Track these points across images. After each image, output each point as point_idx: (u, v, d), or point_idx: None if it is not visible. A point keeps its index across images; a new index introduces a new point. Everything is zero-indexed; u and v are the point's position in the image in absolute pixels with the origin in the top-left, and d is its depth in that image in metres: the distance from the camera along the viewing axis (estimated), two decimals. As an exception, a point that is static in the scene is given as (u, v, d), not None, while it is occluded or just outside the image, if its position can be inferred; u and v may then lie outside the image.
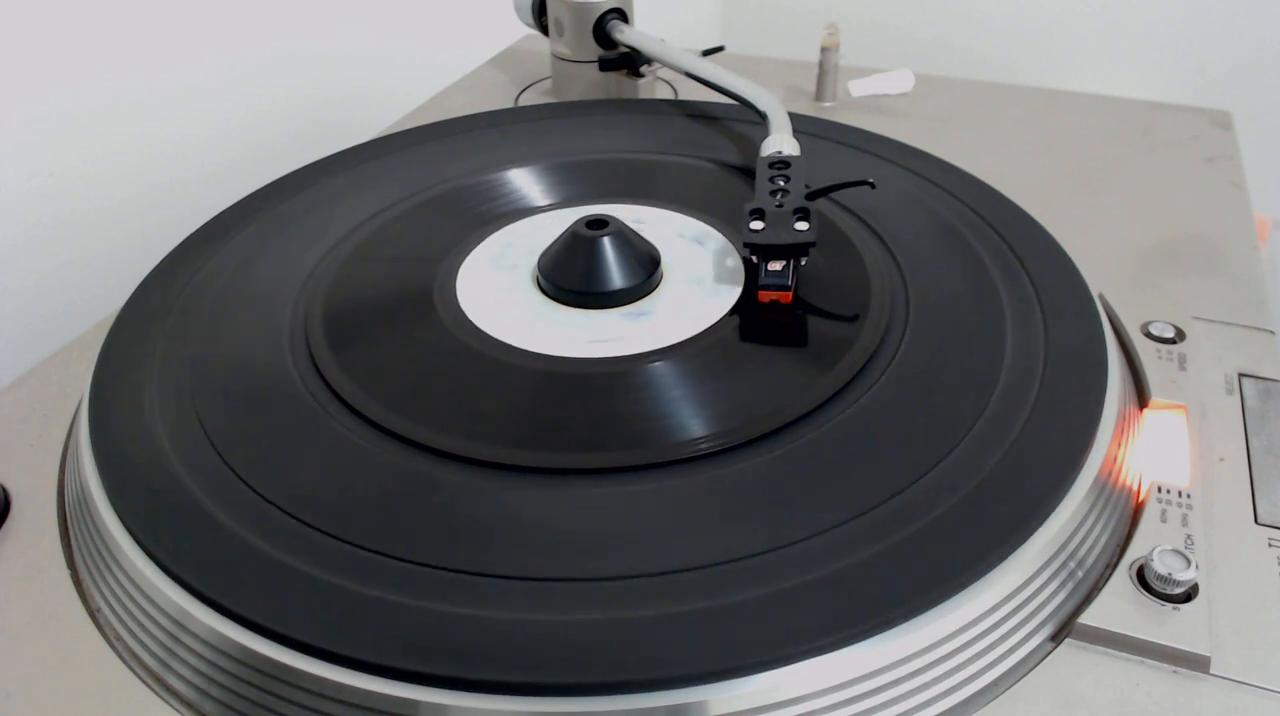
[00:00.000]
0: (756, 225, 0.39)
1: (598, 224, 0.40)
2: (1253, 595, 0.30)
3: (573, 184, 0.49)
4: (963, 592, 0.28)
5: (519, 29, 0.70)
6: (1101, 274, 0.43)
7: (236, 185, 0.50)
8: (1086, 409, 0.34)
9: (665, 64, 0.58)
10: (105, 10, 0.57)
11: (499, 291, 0.41)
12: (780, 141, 0.46)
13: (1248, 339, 0.40)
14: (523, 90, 0.66)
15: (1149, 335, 0.40)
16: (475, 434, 0.33)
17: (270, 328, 0.39)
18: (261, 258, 0.43)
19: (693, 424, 0.33)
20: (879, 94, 0.62)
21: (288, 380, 0.36)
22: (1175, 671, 0.28)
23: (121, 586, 0.30)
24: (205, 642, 0.28)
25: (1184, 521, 0.32)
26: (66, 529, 0.34)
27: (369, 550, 0.29)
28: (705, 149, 0.52)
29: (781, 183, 0.42)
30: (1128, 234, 0.48)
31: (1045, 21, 1.10)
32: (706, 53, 0.62)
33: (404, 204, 0.47)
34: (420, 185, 0.49)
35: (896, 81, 0.62)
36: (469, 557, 0.29)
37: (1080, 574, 0.30)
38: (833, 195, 0.44)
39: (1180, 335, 0.40)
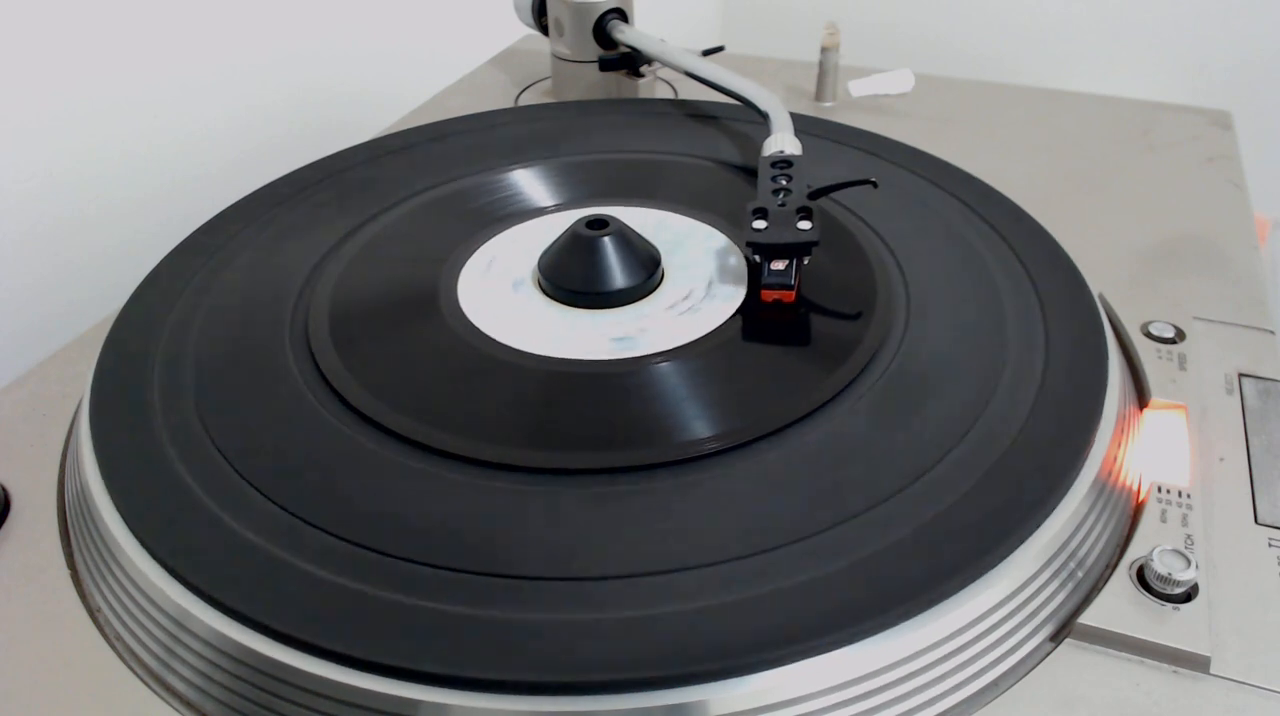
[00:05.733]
0: (759, 224, 0.39)
1: (598, 224, 0.40)
2: (1253, 595, 0.30)
3: (573, 184, 0.49)
4: (963, 592, 0.28)
5: (519, 29, 0.70)
6: (1101, 274, 0.43)
7: (236, 185, 0.50)
8: (1086, 409, 0.34)
9: (665, 64, 0.58)
10: (104, 10, 0.57)
11: (500, 292, 0.41)
12: (782, 141, 0.46)
13: (1248, 339, 0.40)
14: (523, 90, 0.66)
15: (1149, 335, 0.40)
16: (476, 434, 0.33)
17: (271, 328, 0.39)
18: (262, 258, 0.43)
19: (695, 424, 0.33)
20: (879, 94, 0.62)
21: (289, 380, 0.36)
22: (1175, 671, 0.28)
23: (121, 586, 0.30)
24: (205, 642, 0.28)
25: (1184, 521, 0.32)
26: (66, 529, 0.34)
27: (370, 549, 0.29)
28: (706, 149, 0.52)
29: (784, 182, 0.42)
30: (1128, 234, 0.48)
31: (1045, 21, 1.10)
32: (706, 53, 0.62)
33: (404, 205, 0.47)
34: (420, 186, 0.49)
35: (896, 81, 0.62)
36: (469, 557, 0.29)
37: (1080, 574, 0.30)
38: (833, 195, 0.44)
39: (1180, 335, 0.40)
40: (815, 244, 0.38)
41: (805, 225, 0.39)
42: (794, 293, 0.38)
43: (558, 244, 0.41)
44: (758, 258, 0.39)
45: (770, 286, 0.38)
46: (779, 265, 0.38)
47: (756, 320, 0.38)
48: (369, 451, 0.33)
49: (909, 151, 0.50)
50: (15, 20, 0.52)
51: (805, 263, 0.39)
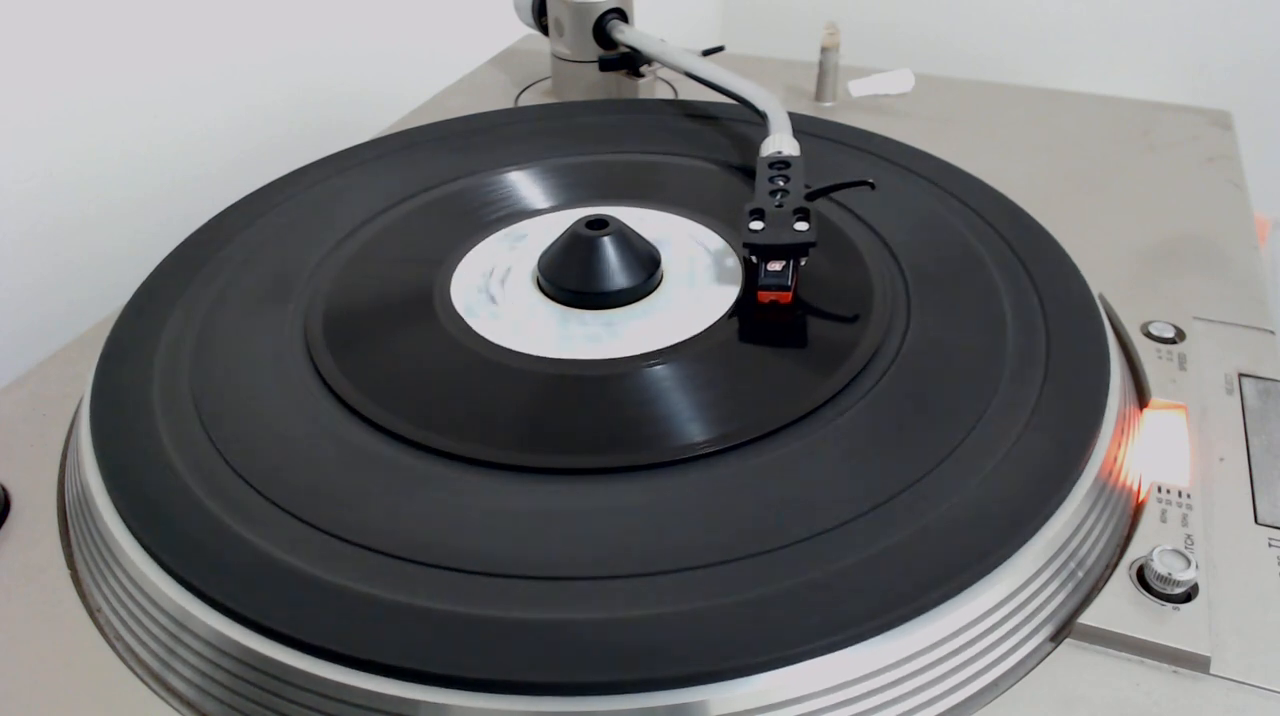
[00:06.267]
0: (756, 225, 0.39)
1: (598, 224, 0.40)
2: (1253, 595, 0.30)
3: (573, 185, 0.49)
4: (963, 592, 0.28)
5: (519, 29, 0.70)
6: (1101, 274, 0.43)
7: (236, 185, 0.50)
8: (1086, 409, 0.34)
9: (665, 64, 0.58)
10: (104, 10, 0.57)
11: (499, 293, 0.40)
12: (780, 141, 0.46)
13: (1248, 339, 0.40)
14: (523, 90, 0.66)
15: (1149, 335, 0.40)
16: (475, 434, 0.33)
17: (270, 328, 0.39)
18: (261, 258, 0.43)
19: (692, 425, 0.33)
20: (879, 94, 0.62)
21: (288, 380, 0.36)
22: (1175, 671, 0.28)
23: (121, 586, 0.30)
24: (205, 642, 0.28)
25: (1184, 521, 0.32)
26: (66, 529, 0.34)
27: (369, 549, 0.29)
28: (705, 149, 0.52)
29: (781, 183, 0.42)
30: (1128, 234, 0.48)
31: (1045, 21, 1.10)
32: (706, 53, 0.62)
33: (404, 205, 0.47)
34: (420, 186, 0.49)
35: (896, 81, 0.62)
36: (469, 557, 0.29)
37: (1080, 574, 0.30)
38: (833, 195, 0.44)
39: (1180, 335, 0.40)
40: (812, 245, 0.38)
41: (802, 226, 0.39)
42: (790, 294, 0.38)
43: (557, 244, 0.41)
44: (754, 258, 0.39)
45: (767, 287, 0.38)
46: (776, 266, 0.38)
47: (753, 321, 0.38)
48: (368, 451, 0.33)
49: (909, 151, 0.50)
50: (15, 20, 0.52)
51: (802, 264, 0.39)
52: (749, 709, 0.25)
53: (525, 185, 0.49)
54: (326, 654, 0.26)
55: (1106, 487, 0.32)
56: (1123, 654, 0.28)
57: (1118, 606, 0.29)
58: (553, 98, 0.64)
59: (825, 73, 0.62)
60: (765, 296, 0.38)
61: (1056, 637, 0.29)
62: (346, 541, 0.29)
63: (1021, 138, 0.58)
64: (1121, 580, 0.30)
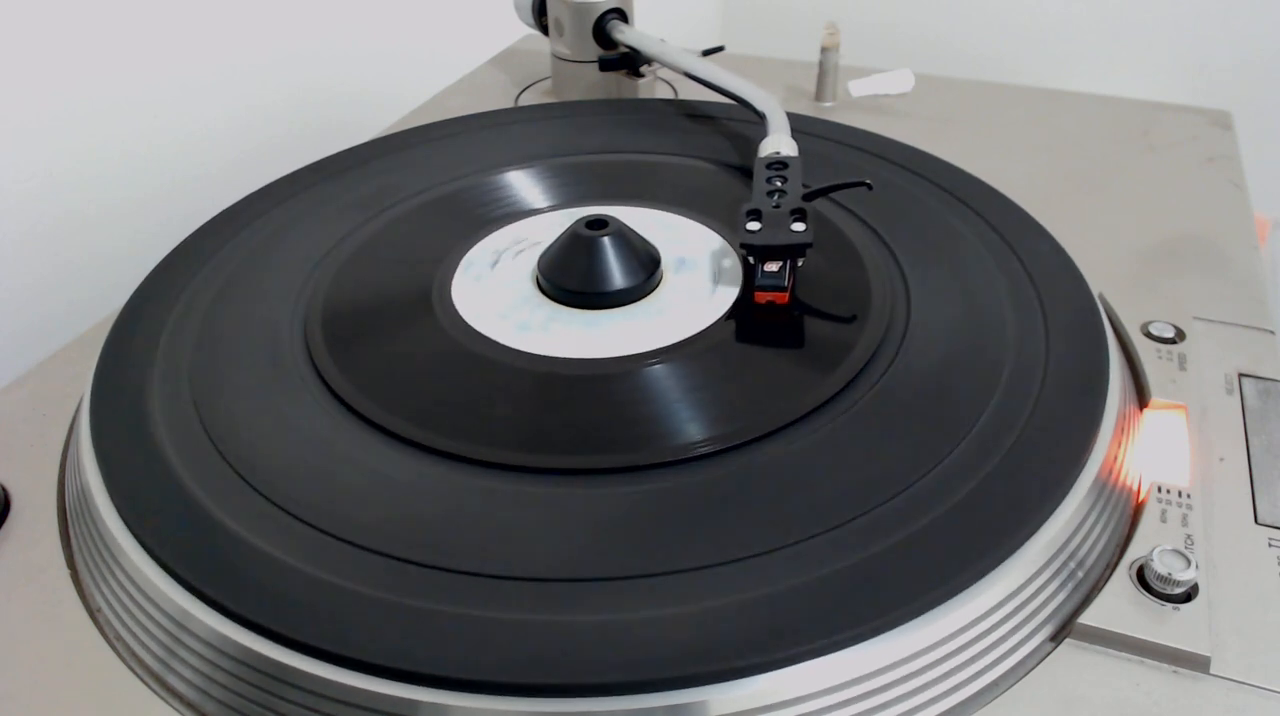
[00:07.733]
0: (753, 226, 0.39)
1: (598, 224, 0.40)
2: (1253, 595, 0.30)
3: (573, 184, 0.49)
4: (963, 592, 0.28)
5: (519, 29, 0.70)
6: (1101, 274, 0.43)
7: (236, 185, 0.50)
8: (1086, 409, 0.34)
9: (665, 64, 0.58)
10: (104, 10, 0.57)
11: (499, 292, 0.41)
12: (778, 142, 0.46)
13: (1248, 339, 0.40)
14: (523, 90, 0.66)
15: (1149, 335, 0.40)
16: (474, 434, 0.33)
17: (270, 328, 0.39)
18: (261, 258, 0.43)
19: (691, 425, 0.33)
20: (879, 94, 0.62)
21: (287, 380, 0.36)
22: (1175, 671, 0.28)
23: (121, 586, 0.30)
24: (205, 642, 0.28)
25: (1184, 521, 0.32)
26: (66, 529, 0.34)
27: (369, 550, 0.29)
28: (705, 149, 0.52)
29: (779, 183, 0.42)
30: (1128, 234, 0.48)
31: (1045, 21, 1.10)
32: (706, 53, 0.62)
33: (403, 205, 0.47)
34: (420, 186, 0.49)
35: (896, 81, 0.62)
36: (469, 557, 0.29)
37: (1080, 574, 0.30)
38: (832, 195, 0.44)
39: (1180, 335, 0.40)
40: (809, 245, 0.38)
41: (799, 227, 0.39)
42: (787, 294, 0.38)
43: (557, 244, 0.41)
44: (751, 259, 0.39)
45: (764, 288, 0.38)
46: (772, 267, 0.38)
47: (750, 322, 0.38)
48: (368, 452, 0.33)
49: (909, 151, 0.50)
50: (15, 20, 0.52)
51: (800, 264, 0.39)
52: (749, 709, 0.25)
53: (525, 185, 0.49)
54: (326, 654, 0.26)
55: (1106, 487, 0.32)
56: (1123, 654, 0.28)
57: (1118, 606, 0.29)
58: (553, 98, 0.64)
59: (825, 73, 0.62)
60: (762, 297, 0.38)
61: (1056, 637, 0.29)
62: (346, 541, 0.29)
63: (1021, 138, 0.58)
64: (1121, 580, 0.30)
